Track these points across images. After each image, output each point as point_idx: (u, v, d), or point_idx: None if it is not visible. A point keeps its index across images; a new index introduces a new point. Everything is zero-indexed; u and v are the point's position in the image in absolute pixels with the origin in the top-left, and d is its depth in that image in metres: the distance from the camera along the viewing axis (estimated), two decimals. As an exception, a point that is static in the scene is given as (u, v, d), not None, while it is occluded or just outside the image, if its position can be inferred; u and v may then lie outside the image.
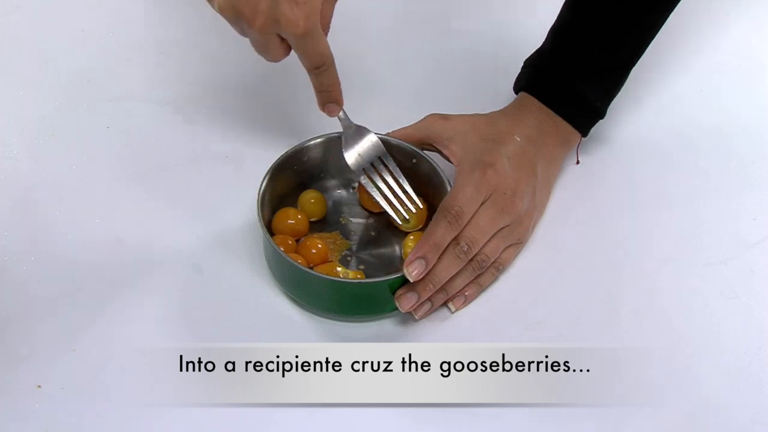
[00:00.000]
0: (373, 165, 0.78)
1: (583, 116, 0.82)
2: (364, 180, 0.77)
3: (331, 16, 0.73)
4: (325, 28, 0.72)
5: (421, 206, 0.78)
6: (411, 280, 0.71)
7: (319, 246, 0.77)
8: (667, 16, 0.81)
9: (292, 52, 0.72)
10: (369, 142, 0.78)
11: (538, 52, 0.84)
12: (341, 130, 0.79)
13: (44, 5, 1.00)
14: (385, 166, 0.78)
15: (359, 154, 0.78)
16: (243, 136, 0.88)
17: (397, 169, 0.78)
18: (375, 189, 0.77)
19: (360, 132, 0.78)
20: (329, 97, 0.74)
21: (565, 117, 0.81)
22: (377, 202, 0.77)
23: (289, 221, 0.78)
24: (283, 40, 0.70)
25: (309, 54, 0.70)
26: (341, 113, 0.77)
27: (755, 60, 0.99)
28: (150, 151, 0.86)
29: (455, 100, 0.87)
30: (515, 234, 0.77)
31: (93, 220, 0.80)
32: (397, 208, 0.77)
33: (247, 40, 0.73)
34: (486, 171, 0.75)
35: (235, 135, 0.88)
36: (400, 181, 0.78)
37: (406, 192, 0.78)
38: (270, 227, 0.78)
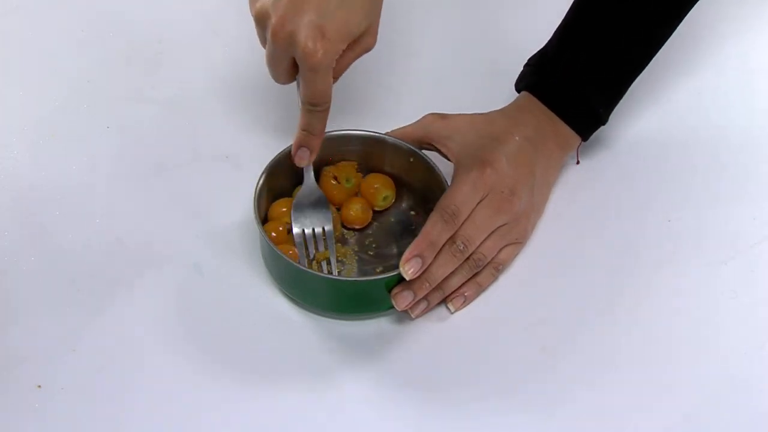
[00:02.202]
0: (313, 230, 0.77)
1: (584, 120, 0.82)
2: (296, 232, 0.76)
3: (347, 67, 0.73)
4: (338, 75, 0.72)
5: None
6: (407, 279, 0.71)
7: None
8: (674, 29, 0.81)
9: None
10: (323, 213, 0.77)
11: (542, 53, 0.84)
12: (340, 129, 0.79)
13: (44, 5, 0.99)
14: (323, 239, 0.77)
15: (306, 216, 0.76)
16: (242, 136, 0.88)
17: (332, 244, 0.77)
18: (302, 246, 0.76)
19: (320, 200, 0.77)
20: (308, 140, 0.73)
21: (565, 119, 0.81)
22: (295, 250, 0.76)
23: (283, 209, 0.78)
24: (293, 64, 0.70)
25: (310, 88, 0.70)
26: (308, 168, 0.75)
27: (755, 62, 0.99)
28: (150, 151, 0.86)
29: (454, 99, 0.87)
30: (513, 233, 0.77)
31: (93, 220, 0.80)
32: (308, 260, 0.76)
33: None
34: (484, 169, 0.75)
35: (235, 135, 0.88)
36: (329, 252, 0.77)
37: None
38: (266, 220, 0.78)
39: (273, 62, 0.71)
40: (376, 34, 0.72)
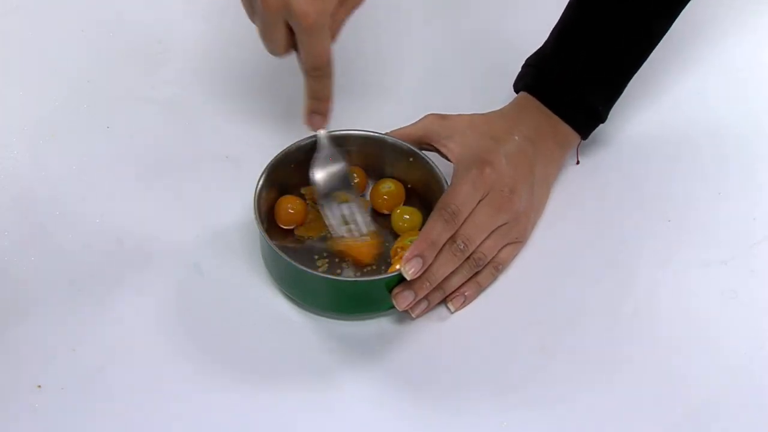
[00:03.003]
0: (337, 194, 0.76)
1: (583, 119, 0.82)
2: (325, 205, 0.75)
3: (342, 24, 0.72)
4: (334, 35, 0.71)
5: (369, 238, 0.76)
6: (408, 279, 0.71)
7: (297, 203, 0.77)
8: (671, 23, 0.81)
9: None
10: (340, 171, 0.76)
11: (540, 52, 0.84)
12: (340, 129, 0.79)
13: (44, 5, 1.00)
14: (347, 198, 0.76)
15: (327, 179, 0.76)
16: (243, 136, 0.88)
17: (360, 205, 0.76)
18: (336, 217, 0.75)
19: (335, 159, 0.76)
20: (318, 106, 0.73)
21: (564, 118, 0.81)
22: (333, 230, 0.75)
23: (290, 210, 0.78)
24: (288, 32, 0.69)
25: (310, 52, 0.69)
26: (323, 133, 0.75)
27: (754, 61, 0.99)
28: (150, 151, 0.86)
29: (454, 100, 0.87)
30: (513, 232, 0.77)
31: (93, 220, 0.80)
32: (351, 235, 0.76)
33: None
34: (483, 169, 0.75)
35: (235, 135, 0.88)
36: (360, 215, 0.76)
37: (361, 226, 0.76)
38: (271, 218, 0.78)
39: (268, 32, 0.69)
40: None
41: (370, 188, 0.81)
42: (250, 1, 0.69)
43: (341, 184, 0.76)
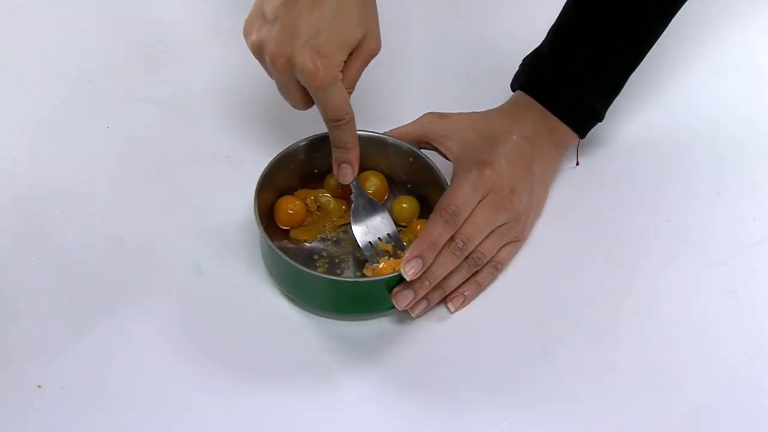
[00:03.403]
0: (379, 238, 0.77)
1: (580, 118, 0.82)
2: (369, 253, 0.75)
3: (357, 77, 0.73)
4: (350, 85, 0.72)
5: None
6: (407, 279, 0.71)
7: (297, 204, 0.78)
8: (668, 22, 0.81)
9: None
10: (379, 217, 0.77)
11: (537, 52, 0.84)
12: None
13: (44, 5, 1.00)
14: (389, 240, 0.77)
15: (367, 229, 0.77)
16: (243, 136, 0.88)
17: (400, 241, 0.77)
18: (376, 261, 0.75)
19: (372, 205, 0.77)
20: (344, 156, 0.74)
21: (561, 118, 0.81)
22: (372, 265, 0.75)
23: (289, 211, 0.78)
24: (303, 88, 0.70)
25: (325, 106, 0.71)
26: (354, 182, 0.76)
27: (753, 61, 0.99)
28: (150, 151, 0.86)
29: (453, 99, 0.87)
30: (513, 232, 0.77)
31: (93, 220, 0.80)
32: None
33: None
34: (483, 169, 0.75)
35: (235, 135, 0.88)
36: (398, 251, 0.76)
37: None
38: (271, 218, 0.79)
39: (284, 91, 0.72)
40: (377, 38, 0.72)
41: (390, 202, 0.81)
42: (266, 66, 0.71)
43: (385, 228, 0.77)
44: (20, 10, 0.99)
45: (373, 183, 0.81)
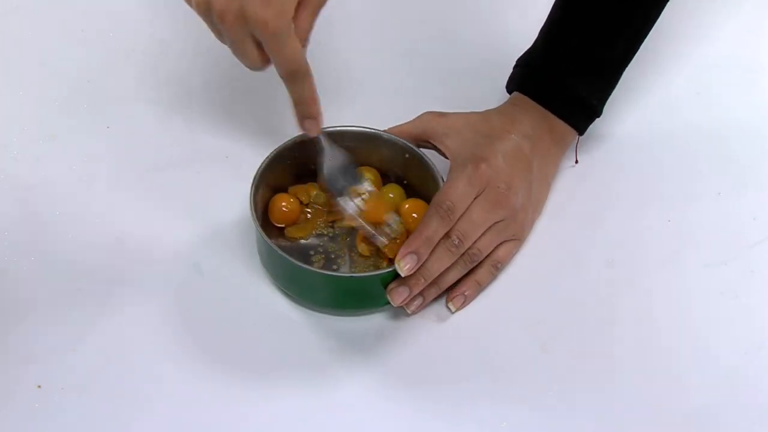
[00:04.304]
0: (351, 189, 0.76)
1: (577, 114, 0.82)
2: (343, 201, 0.75)
3: (310, 28, 0.70)
4: (303, 38, 0.70)
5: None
6: (402, 275, 0.71)
7: (291, 201, 0.77)
8: (660, 11, 0.81)
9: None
10: (349, 167, 0.77)
11: (530, 51, 0.84)
12: (336, 125, 0.79)
13: (44, 5, 1.00)
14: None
15: (336, 178, 0.76)
16: (242, 136, 0.88)
17: (374, 190, 0.77)
18: (355, 210, 0.75)
19: (340, 155, 0.77)
20: (306, 110, 0.72)
21: (559, 115, 0.81)
22: (361, 226, 0.75)
23: (284, 208, 0.78)
24: (258, 43, 0.68)
25: (279, 57, 0.68)
26: (320, 135, 0.75)
27: (752, 60, 0.99)
28: (150, 151, 0.86)
29: (451, 99, 0.87)
30: (510, 229, 0.77)
31: (93, 220, 0.80)
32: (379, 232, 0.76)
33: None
34: (479, 165, 0.75)
35: (234, 135, 0.88)
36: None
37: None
38: (267, 216, 0.79)
39: (238, 49, 0.69)
40: None
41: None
42: (213, 24, 0.68)
43: (351, 180, 0.77)
44: (20, 10, 0.99)
45: (367, 179, 0.81)
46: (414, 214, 0.77)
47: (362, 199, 0.76)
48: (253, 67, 0.70)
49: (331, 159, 0.76)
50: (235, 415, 0.69)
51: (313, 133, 0.74)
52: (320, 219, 0.79)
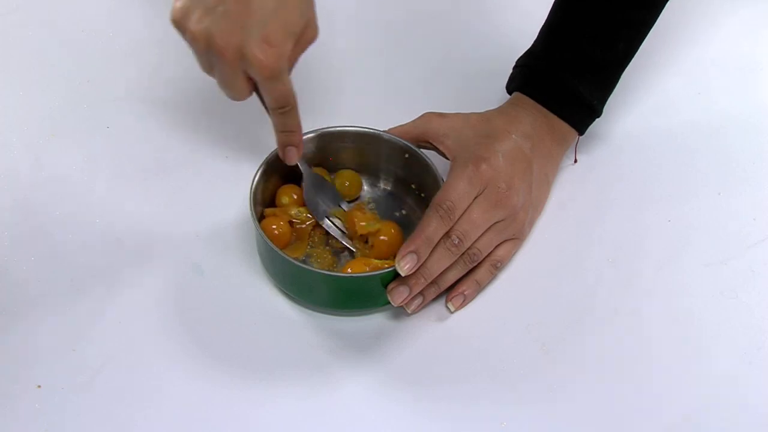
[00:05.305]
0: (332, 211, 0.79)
1: (577, 113, 0.82)
2: (326, 224, 0.78)
3: (296, 61, 0.71)
4: (291, 68, 0.71)
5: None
6: (402, 275, 0.71)
7: (281, 225, 0.77)
8: (660, 11, 0.81)
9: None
10: (329, 190, 0.80)
11: (530, 52, 0.84)
12: (337, 125, 0.80)
13: (44, 5, 1.00)
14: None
15: (319, 202, 0.79)
16: (242, 136, 0.88)
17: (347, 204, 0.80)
18: (338, 231, 0.78)
19: (319, 181, 0.79)
20: (289, 138, 0.74)
21: (559, 115, 0.81)
22: (341, 242, 0.78)
23: (275, 231, 0.77)
24: (249, 78, 0.69)
25: (274, 95, 0.70)
26: (300, 162, 0.76)
27: (752, 60, 0.99)
28: (150, 151, 0.87)
29: (451, 99, 0.87)
30: (510, 229, 0.77)
31: (93, 220, 0.81)
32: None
33: None
34: (479, 165, 0.75)
35: (235, 135, 0.88)
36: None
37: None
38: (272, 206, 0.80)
39: (229, 83, 0.69)
40: (316, 26, 0.70)
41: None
42: (207, 57, 0.68)
43: (330, 203, 0.79)
44: (20, 10, 0.99)
45: (346, 180, 0.82)
46: (382, 237, 0.77)
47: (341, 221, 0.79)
48: (237, 99, 0.71)
49: (310, 184, 0.78)
50: (235, 414, 0.69)
51: (292, 161, 0.75)
52: (310, 233, 0.79)
